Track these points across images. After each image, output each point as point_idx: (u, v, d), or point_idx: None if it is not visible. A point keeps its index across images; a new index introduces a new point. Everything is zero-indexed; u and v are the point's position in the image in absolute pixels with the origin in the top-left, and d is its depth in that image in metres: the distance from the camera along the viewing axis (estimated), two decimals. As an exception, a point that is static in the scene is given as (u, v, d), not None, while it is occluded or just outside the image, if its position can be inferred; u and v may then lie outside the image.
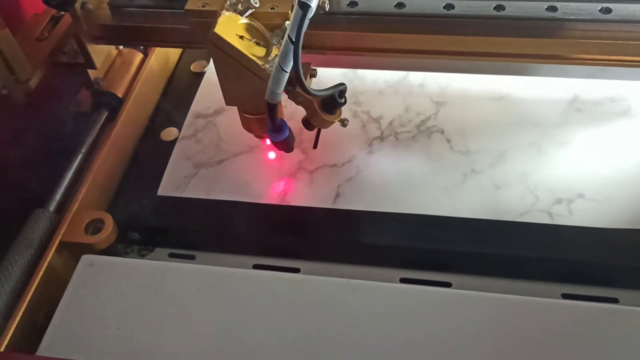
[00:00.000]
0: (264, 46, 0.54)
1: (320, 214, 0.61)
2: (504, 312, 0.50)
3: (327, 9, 0.56)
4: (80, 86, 0.71)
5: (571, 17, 0.54)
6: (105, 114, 0.70)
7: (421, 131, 0.66)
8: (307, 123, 0.58)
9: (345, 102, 0.56)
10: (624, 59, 0.54)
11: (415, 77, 0.71)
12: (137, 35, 0.65)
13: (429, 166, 0.63)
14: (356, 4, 0.57)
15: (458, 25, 0.56)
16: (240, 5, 0.54)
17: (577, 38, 0.54)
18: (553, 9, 0.54)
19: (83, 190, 0.61)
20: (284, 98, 0.55)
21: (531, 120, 0.65)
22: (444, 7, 0.56)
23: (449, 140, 0.65)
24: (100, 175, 0.64)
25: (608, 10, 0.53)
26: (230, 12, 0.53)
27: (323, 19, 0.55)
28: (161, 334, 0.52)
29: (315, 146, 0.66)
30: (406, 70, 0.71)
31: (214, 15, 0.53)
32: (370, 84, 0.71)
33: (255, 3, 0.54)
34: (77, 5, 0.63)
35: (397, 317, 0.51)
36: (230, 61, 0.53)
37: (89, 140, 0.67)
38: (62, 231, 0.58)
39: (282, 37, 0.50)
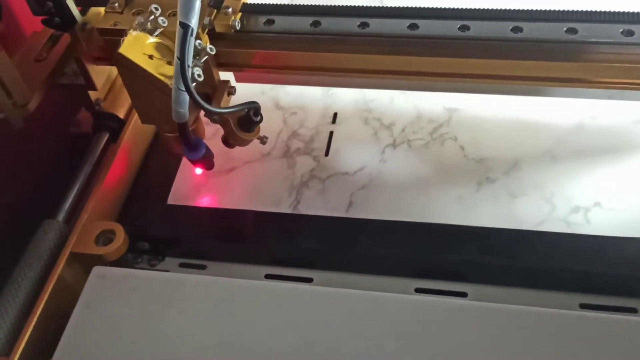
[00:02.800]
0: None
1: (333, 223, 0.60)
2: (521, 324, 0.50)
3: (237, 28, 0.56)
4: (81, 108, 0.70)
5: (591, 40, 0.52)
6: (106, 137, 0.68)
7: (434, 138, 0.65)
8: (226, 141, 0.59)
9: (261, 120, 0.57)
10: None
11: (427, 83, 0.70)
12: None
13: (443, 174, 0.62)
14: (367, 25, 0.56)
15: (474, 48, 0.54)
16: (149, 24, 0.53)
17: (597, 62, 0.53)
18: (573, 31, 0.53)
19: (93, 201, 0.60)
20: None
21: (545, 128, 0.64)
22: (459, 29, 0.55)
23: (462, 148, 0.64)
24: (110, 185, 0.63)
25: (630, 33, 0.52)
26: (139, 32, 0.52)
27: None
28: (175, 346, 0.51)
29: (327, 154, 0.66)
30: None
31: (122, 34, 0.52)
32: (381, 91, 0.70)
33: (164, 22, 0.53)
34: (77, 25, 0.62)
35: (412, 329, 0.50)
36: (139, 81, 0.52)
37: (90, 165, 0.66)
38: (72, 242, 0.57)
39: (194, 56, 0.50)
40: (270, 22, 0.58)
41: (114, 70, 0.70)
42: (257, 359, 0.50)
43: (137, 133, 0.68)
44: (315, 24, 0.57)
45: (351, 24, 0.57)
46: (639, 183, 0.59)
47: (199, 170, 0.65)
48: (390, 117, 0.68)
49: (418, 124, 0.67)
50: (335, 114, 0.69)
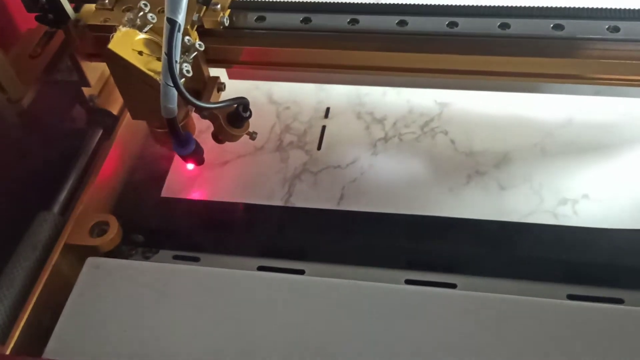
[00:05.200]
0: None
1: (325, 215, 0.61)
2: (510, 313, 0.51)
3: (226, 24, 0.57)
4: (75, 104, 0.70)
5: (578, 36, 0.53)
6: (100, 133, 0.69)
7: (425, 132, 0.66)
8: (216, 137, 0.59)
9: (250, 116, 0.57)
10: (633, 79, 0.54)
11: (419, 78, 0.71)
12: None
13: (434, 167, 0.63)
14: (357, 21, 0.57)
15: (462, 44, 0.55)
16: (138, 20, 0.53)
17: (584, 57, 0.53)
18: (559, 27, 0.54)
19: (88, 193, 0.61)
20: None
21: (535, 121, 0.65)
22: (447, 25, 0.56)
23: (453, 141, 0.65)
24: (104, 177, 0.63)
25: (616, 29, 0.53)
26: (128, 28, 0.53)
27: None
28: (168, 336, 0.51)
29: (319, 147, 0.66)
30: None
31: (112, 31, 0.53)
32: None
33: (153, 19, 0.53)
34: (71, 22, 0.62)
35: (402, 318, 0.51)
36: (128, 77, 0.53)
37: (83, 161, 0.66)
38: (67, 233, 0.58)
39: (183, 52, 0.51)
40: (261, 18, 0.59)
41: (107, 67, 0.71)
42: (249, 349, 0.50)
43: (132, 124, 0.68)
44: (306, 20, 0.58)
45: (341, 21, 0.58)
46: (626, 176, 0.60)
47: (190, 166, 0.65)
48: (382, 111, 0.68)
49: (409, 117, 0.67)
50: (327, 109, 0.70)
